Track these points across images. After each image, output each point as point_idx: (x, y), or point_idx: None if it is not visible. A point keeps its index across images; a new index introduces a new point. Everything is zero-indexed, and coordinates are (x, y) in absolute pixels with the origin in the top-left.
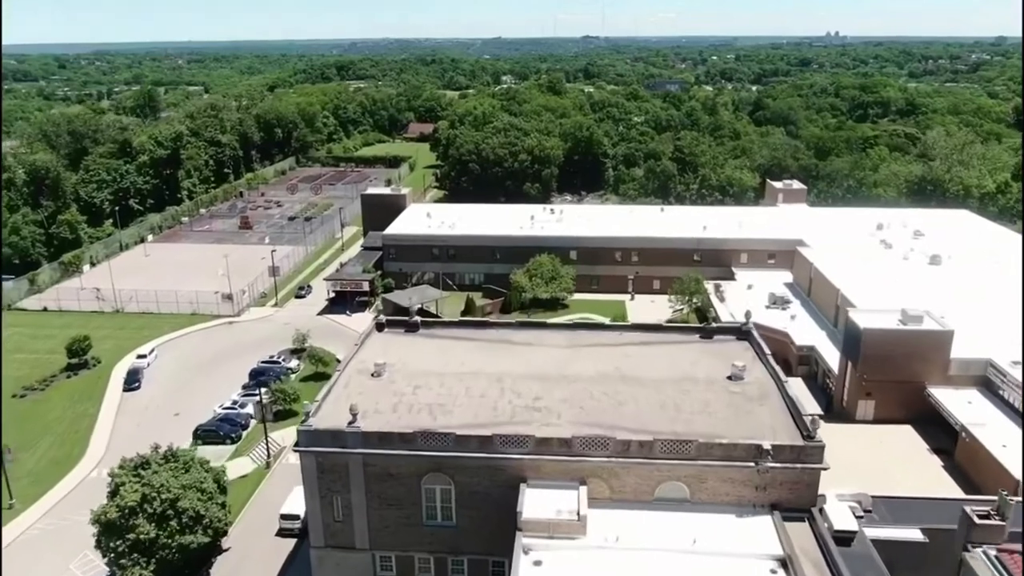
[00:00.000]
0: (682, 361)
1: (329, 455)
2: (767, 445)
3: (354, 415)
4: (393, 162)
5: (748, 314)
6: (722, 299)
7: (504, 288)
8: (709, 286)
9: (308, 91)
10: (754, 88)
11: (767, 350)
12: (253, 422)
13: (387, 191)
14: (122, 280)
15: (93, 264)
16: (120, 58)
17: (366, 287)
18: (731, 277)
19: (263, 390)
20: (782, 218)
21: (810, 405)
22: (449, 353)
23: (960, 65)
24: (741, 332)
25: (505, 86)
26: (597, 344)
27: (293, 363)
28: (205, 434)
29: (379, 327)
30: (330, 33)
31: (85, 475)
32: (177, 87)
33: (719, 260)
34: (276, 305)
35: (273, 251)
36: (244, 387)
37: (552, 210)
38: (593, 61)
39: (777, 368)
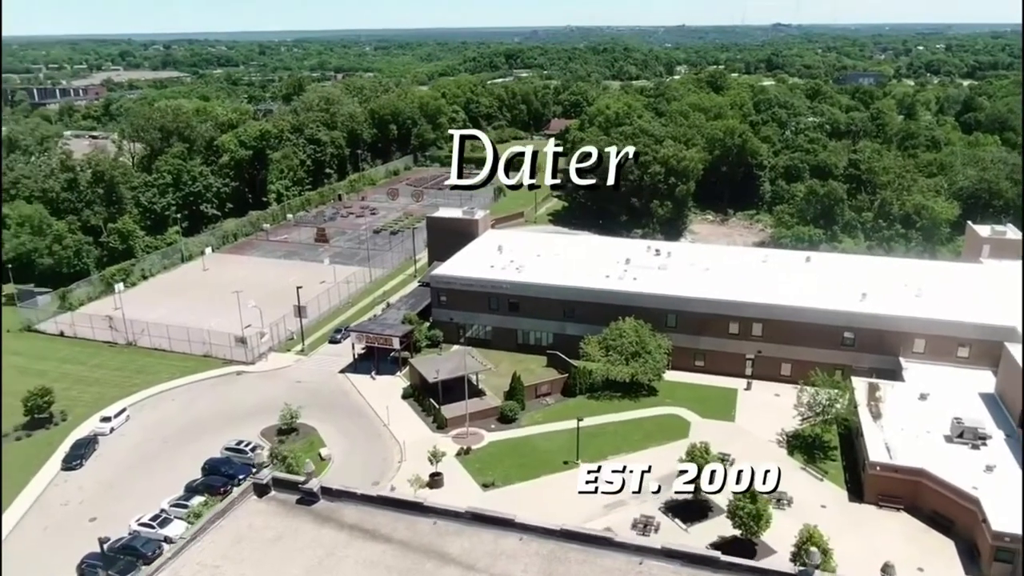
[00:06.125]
0: None
1: None
2: None
3: None
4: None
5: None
6: (877, 414)
7: (575, 357)
8: (860, 388)
9: (440, 84)
10: (965, 84)
11: None
12: (168, 549)
13: (457, 214)
14: (158, 301)
15: (146, 277)
16: (315, 45)
17: (396, 343)
18: (896, 373)
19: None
20: (985, 285)
21: None
22: (334, 569)
23: None
24: None
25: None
26: None
27: (267, 453)
28: (88, 571)
29: (259, 491)
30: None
31: None
32: (354, 73)
33: (881, 345)
34: (302, 352)
35: (299, 288)
36: (187, 487)
37: (657, 251)
38: (779, 51)
39: None
